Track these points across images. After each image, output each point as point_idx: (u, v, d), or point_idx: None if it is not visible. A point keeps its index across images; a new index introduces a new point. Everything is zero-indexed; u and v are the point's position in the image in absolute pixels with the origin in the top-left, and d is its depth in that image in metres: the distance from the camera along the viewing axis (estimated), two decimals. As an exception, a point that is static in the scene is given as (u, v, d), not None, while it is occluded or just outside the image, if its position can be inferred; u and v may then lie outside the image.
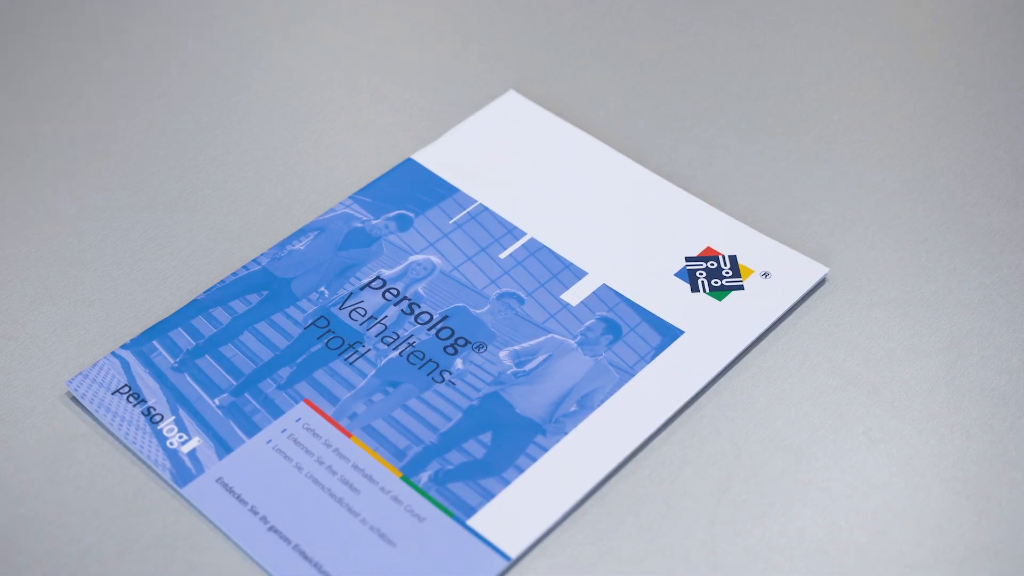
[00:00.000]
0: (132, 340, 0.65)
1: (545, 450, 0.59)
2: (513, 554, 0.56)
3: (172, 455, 0.60)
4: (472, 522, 0.57)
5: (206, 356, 0.64)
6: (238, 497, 0.58)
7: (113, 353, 0.64)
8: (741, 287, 0.66)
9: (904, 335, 0.65)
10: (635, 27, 0.85)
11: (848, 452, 0.60)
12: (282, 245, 0.69)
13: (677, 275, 0.67)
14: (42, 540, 0.57)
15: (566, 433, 0.60)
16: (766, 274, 0.66)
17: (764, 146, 0.76)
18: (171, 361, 0.64)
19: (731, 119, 0.78)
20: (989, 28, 0.85)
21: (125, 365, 0.64)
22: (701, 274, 0.67)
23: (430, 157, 0.74)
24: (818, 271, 0.67)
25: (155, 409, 0.62)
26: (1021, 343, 0.64)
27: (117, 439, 0.61)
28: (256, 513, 0.57)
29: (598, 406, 0.61)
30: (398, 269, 0.68)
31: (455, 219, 0.70)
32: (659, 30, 0.84)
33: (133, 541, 0.57)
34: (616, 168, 0.73)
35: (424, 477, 0.58)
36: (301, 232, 0.70)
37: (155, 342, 0.65)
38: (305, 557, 0.56)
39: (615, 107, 0.78)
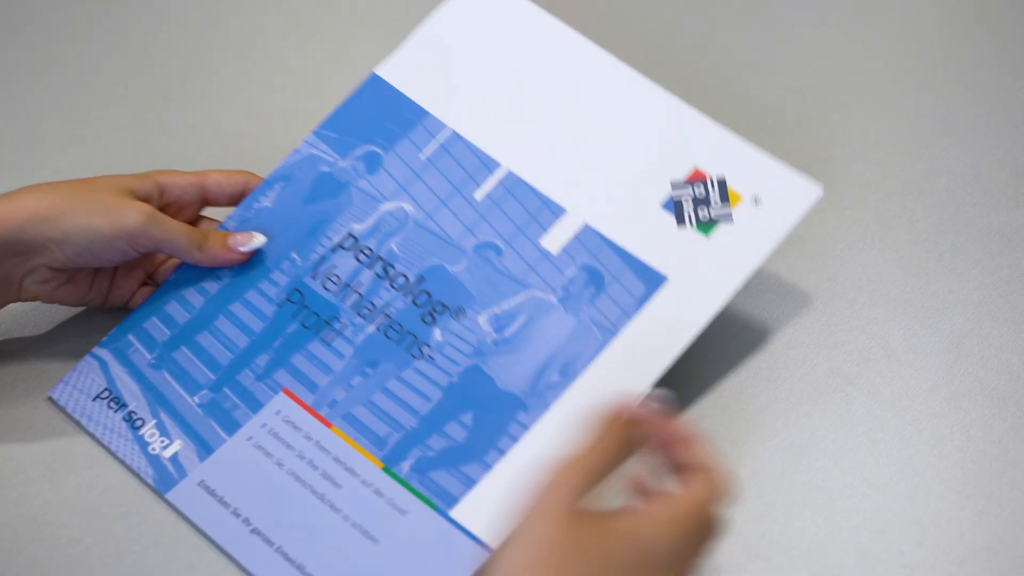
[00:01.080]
0: (108, 337, 0.64)
1: (527, 428, 0.58)
2: (495, 545, 0.54)
3: (154, 461, 0.59)
4: (455, 513, 0.56)
5: (182, 348, 0.62)
6: (220, 500, 0.58)
7: (91, 354, 0.63)
8: (730, 218, 0.61)
9: (904, 335, 0.65)
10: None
11: (848, 452, 0.60)
12: (248, 204, 0.66)
13: (664, 207, 0.62)
14: (32, 557, 0.57)
15: (548, 408, 0.58)
16: (756, 200, 0.61)
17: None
18: (148, 357, 0.63)
19: (729, 119, 0.77)
20: (989, 28, 0.85)
21: (104, 366, 0.63)
22: (687, 203, 0.62)
23: (396, 71, 0.67)
24: (811, 193, 0.62)
25: (136, 413, 0.61)
26: (1021, 343, 0.64)
27: (102, 446, 0.61)
28: (239, 515, 0.57)
29: (580, 373, 0.58)
30: (369, 222, 0.64)
31: (426, 153, 0.65)
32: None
33: (122, 553, 0.57)
34: (597, 67, 0.66)
35: (406, 466, 0.57)
36: (267, 185, 0.66)
37: (131, 336, 0.63)
38: (288, 559, 0.55)
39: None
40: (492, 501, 0.55)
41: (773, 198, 0.62)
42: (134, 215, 0.60)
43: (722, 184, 0.62)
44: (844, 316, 0.66)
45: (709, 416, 0.61)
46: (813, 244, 0.69)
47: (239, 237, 0.64)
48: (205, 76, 0.74)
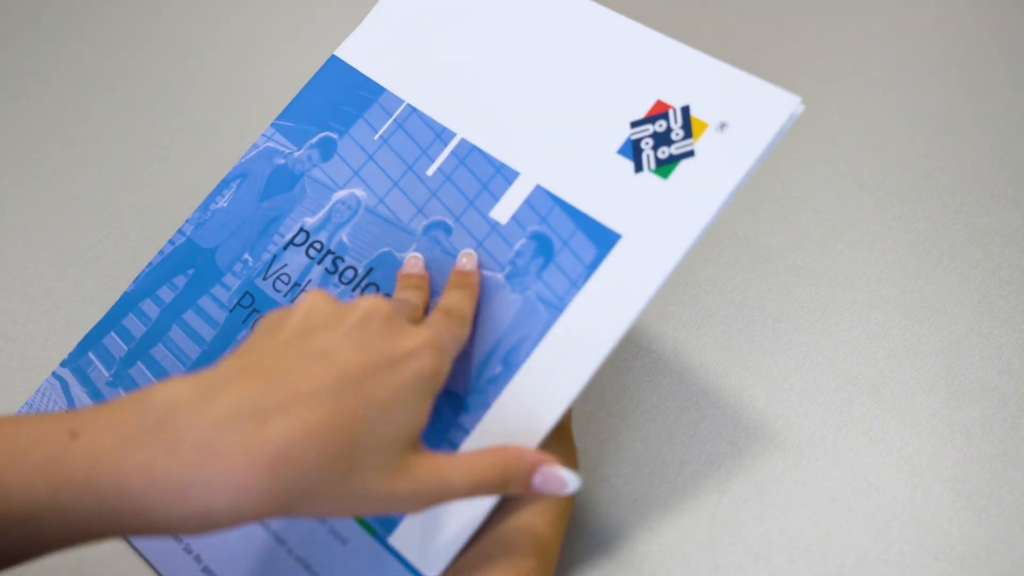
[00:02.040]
0: (69, 355, 0.63)
1: (467, 432, 0.54)
2: (432, 574, 0.53)
3: None
4: (393, 539, 0.54)
5: (138, 363, 0.62)
6: (174, 535, 0.57)
7: (53, 374, 0.63)
8: (691, 153, 0.55)
9: (904, 335, 0.65)
10: None
11: (848, 452, 0.60)
12: (206, 205, 0.65)
13: (620, 152, 0.56)
14: None
15: (488, 407, 0.54)
16: (723, 125, 0.55)
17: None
18: (106, 375, 0.62)
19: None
20: (989, 28, 0.85)
21: (65, 386, 0.62)
22: (647, 144, 0.56)
23: (354, 51, 0.66)
24: (786, 106, 0.54)
25: None
26: (1021, 343, 0.64)
27: None
28: (190, 552, 0.57)
29: (524, 361, 0.54)
30: (321, 214, 0.63)
31: (380, 132, 0.63)
32: None
33: None
34: (549, 9, 0.62)
35: None
36: (224, 184, 0.65)
37: (91, 353, 0.63)
38: None
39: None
40: (430, 522, 0.54)
41: (742, 120, 0.54)
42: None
43: (685, 112, 0.56)
44: (844, 316, 0.66)
45: (709, 416, 0.62)
46: (814, 244, 0.69)
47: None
48: (177, 73, 0.74)
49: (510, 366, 0.54)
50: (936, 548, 0.56)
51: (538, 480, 0.48)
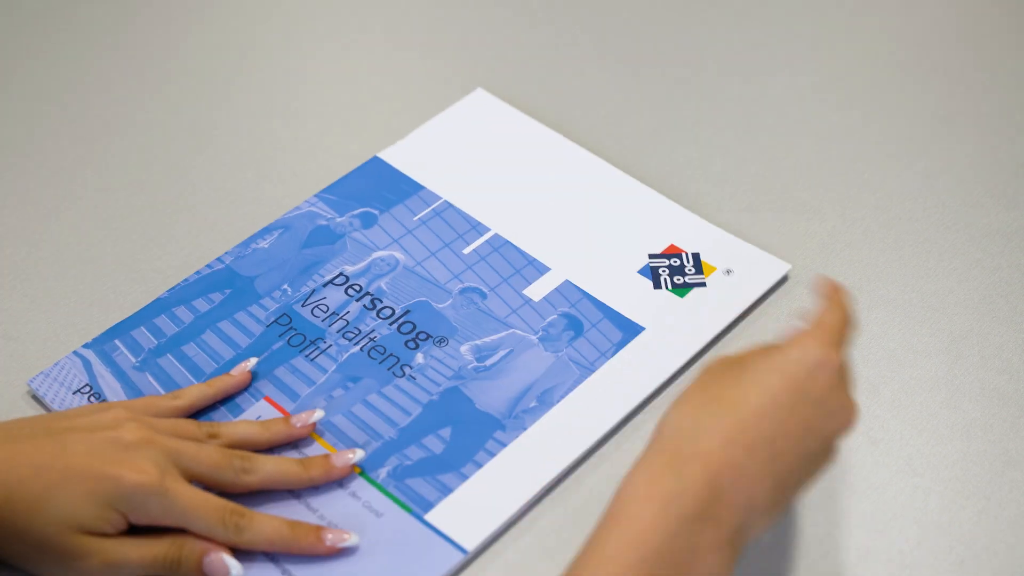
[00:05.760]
0: (94, 339, 0.64)
1: (504, 445, 0.59)
2: (470, 547, 0.55)
3: None
4: (430, 516, 0.56)
5: (168, 355, 0.63)
6: None
7: (75, 352, 0.63)
8: (703, 284, 0.66)
9: (904, 335, 0.65)
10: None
11: (848, 452, 0.60)
12: (246, 243, 0.69)
13: (640, 272, 0.67)
14: None
15: (525, 429, 0.60)
16: (729, 271, 0.66)
17: (756, 148, 0.76)
18: (133, 360, 0.63)
19: (715, 125, 0.77)
20: (989, 28, 0.85)
21: (87, 364, 0.63)
22: (664, 271, 0.67)
23: (397, 155, 0.74)
24: (780, 268, 0.67)
25: None
26: (1021, 343, 0.64)
27: None
28: None
29: (558, 402, 0.61)
30: (361, 265, 0.67)
31: (420, 215, 0.70)
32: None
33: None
34: (582, 164, 0.73)
35: (383, 473, 0.58)
36: (266, 230, 0.69)
37: (117, 341, 0.64)
38: (268, 558, 0.55)
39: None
40: (467, 507, 0.57)
41: (744, 271, 0.67)
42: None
43: (696, 257, 0.67)
44: (844, 316, 0.66)
45: (709, 416, 0.61)
46: (814, 244, 0.69)
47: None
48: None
49: (544, 403, 0.61)
50: (936, 548, 0.56)
51: (206, 564, 0.53)
